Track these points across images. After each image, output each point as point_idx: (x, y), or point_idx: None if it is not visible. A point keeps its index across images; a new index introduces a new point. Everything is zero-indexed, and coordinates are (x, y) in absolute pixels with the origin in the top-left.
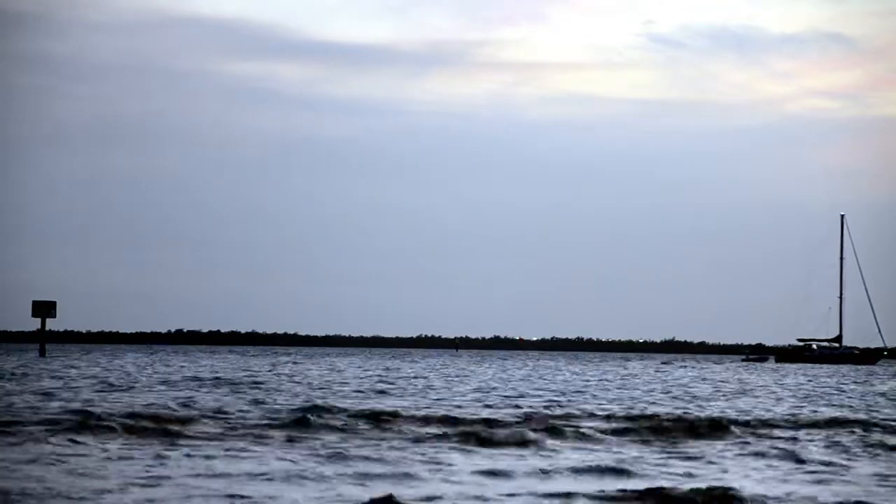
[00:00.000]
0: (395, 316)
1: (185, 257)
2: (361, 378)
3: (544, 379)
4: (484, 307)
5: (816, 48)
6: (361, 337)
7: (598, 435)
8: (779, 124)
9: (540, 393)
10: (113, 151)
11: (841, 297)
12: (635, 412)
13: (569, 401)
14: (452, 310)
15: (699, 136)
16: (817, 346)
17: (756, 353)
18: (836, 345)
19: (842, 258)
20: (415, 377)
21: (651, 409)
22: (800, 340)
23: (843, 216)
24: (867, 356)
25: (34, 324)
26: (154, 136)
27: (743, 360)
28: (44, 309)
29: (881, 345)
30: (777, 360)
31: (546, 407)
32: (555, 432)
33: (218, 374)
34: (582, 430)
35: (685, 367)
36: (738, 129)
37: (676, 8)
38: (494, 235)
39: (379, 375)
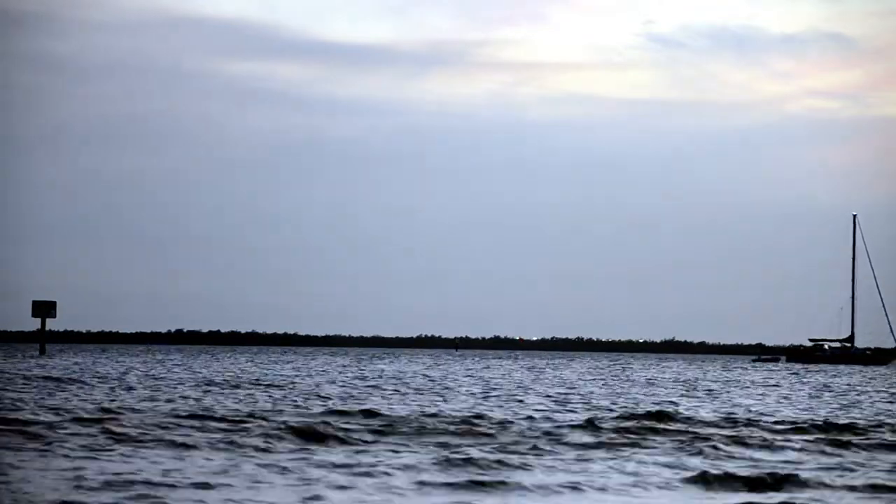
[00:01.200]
0: (395, 316)
1: (186, 257)
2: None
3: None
4: (484, 307)
5: (816, 48)
6: (361, 337)
7: None
8: (779, 124)
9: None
10: (114, 151)
11: (853, 298)
12: None
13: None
14: (452, 310)
15: (699, 136)
16: (829, 346)
17: (758, 353)
18: (849, 345)
19: (854, 258)
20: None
21: None
22: (811, 341)
23: (855, 216)
24: (880, 357)
25: (34, 324)
26: (155, 136)
27: (754, 361)
28: (44, 309)
29: (894, 345)
30: (788, 361)
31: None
32: None
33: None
34: None
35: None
36: (738, 129)
37: (676, 8)
38: (494, 235)
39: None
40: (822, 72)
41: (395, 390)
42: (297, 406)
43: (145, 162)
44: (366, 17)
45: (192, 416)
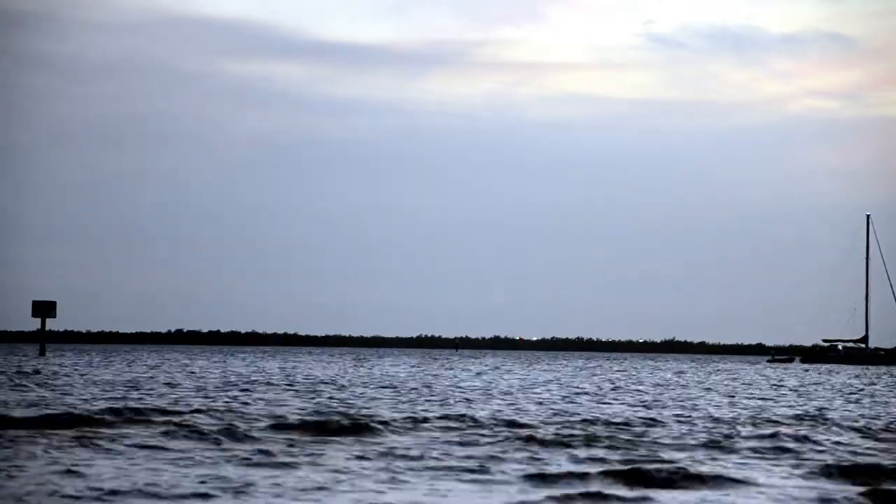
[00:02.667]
0: (395, 316)
1: (185, 257)
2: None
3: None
4: (484, 307)
5: (816, 48)
6: (361, 337)
7: None
8: (779, 124)
9: None
10: (114, 151)
11: (867, 298)
12: None
13: None
14: (452, 310)
15: (699, 136)
16: (843, 346)
17: (769, 354)
18: (863, 345)
19: (867, 258)
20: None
21: None
22: (825, 341)
23: (868, 216)
24: (894, 357)
25: (34, 324)
26: (155, 137)
27: (768, 361)
28: (44, 309)
29: None
30: (802, 361)
31: None
32: None
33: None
34: None
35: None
36: (738, 129)
37: (676, 8)
38: (494, 235)
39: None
40: (822, 72)
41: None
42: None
43: (145, 162)
44: (366, 17)
45: None
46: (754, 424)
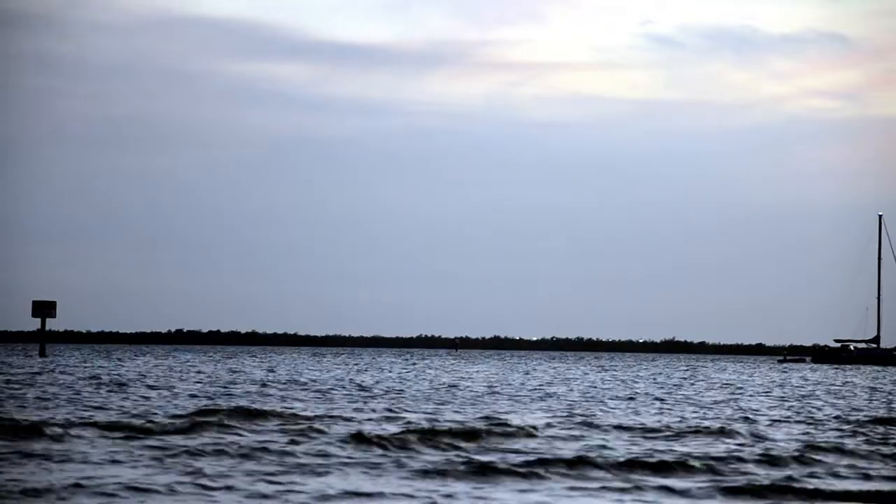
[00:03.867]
0: (395, 316)
1: (185, 257)
2: None
3: None
4: (484, 307)
5: (816, 48)
6: (361, 337)
7: None
8: (779, 124)
9: None
10: (114, 151)
11: (879, 298)
12: None
13: None
14: (452, 310)
15: (699, 136)
16: (854, 347)
17: (761, 354)
18: (875, 346)
19: (879, 258)
20: None
21: None
22: (837, 341)
23: (881, 216)
24: None
25: (34, 324)
26: (155, 136)
27: (779, 362)
28: (44, 309)
29: None
30: (813, 361)
31: None
32: None
33: None
34: None
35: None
36: (738, 129)
37: (675, 8)
38: (494, 235)
39: None
40: (822, 72)
41: None
42: None
43: (145, 162)
44: (366, 17)
45: None
46: None
